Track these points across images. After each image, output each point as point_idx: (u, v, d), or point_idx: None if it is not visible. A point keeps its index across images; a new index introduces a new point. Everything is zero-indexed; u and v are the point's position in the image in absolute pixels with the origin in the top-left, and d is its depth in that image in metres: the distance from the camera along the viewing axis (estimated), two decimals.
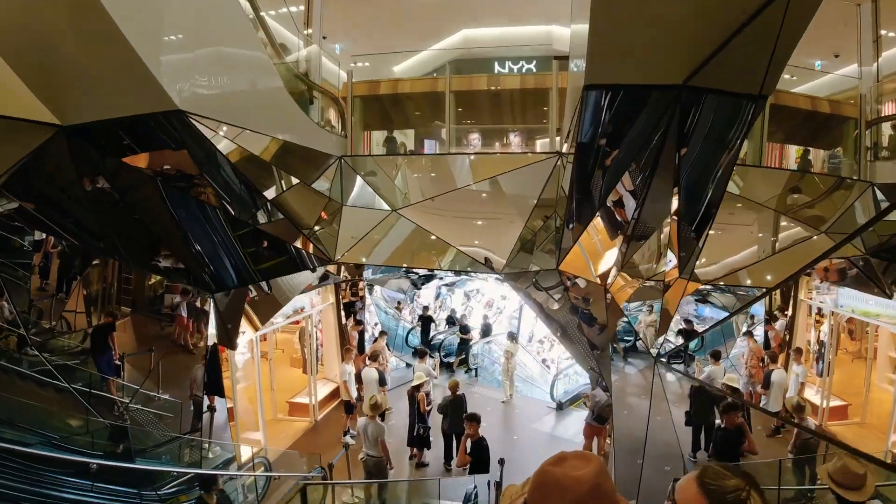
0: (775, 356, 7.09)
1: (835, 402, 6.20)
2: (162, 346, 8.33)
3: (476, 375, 12.23)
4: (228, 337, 6.77)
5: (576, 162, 5.25)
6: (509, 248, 6.24)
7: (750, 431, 5.89)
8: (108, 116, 4.59)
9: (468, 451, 6.61)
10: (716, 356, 7.35)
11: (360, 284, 11.50)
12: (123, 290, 9.13)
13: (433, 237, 6.18)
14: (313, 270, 6.68)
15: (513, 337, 11.07)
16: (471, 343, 12.71)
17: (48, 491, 4.34)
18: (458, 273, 12.96)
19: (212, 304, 6.38)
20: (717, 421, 6.21)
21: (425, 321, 13.11)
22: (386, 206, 6.24)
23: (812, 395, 6.46)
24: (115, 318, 7.96)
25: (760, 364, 7.34)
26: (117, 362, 7.82)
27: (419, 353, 9.18)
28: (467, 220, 6.67)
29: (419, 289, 14.29)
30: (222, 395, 7.28)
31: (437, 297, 15.71)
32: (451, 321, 13.62)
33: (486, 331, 13.68)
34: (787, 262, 5.99)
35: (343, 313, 10.52)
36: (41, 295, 9.33)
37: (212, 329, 6.69)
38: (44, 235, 10.28)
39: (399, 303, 14.08)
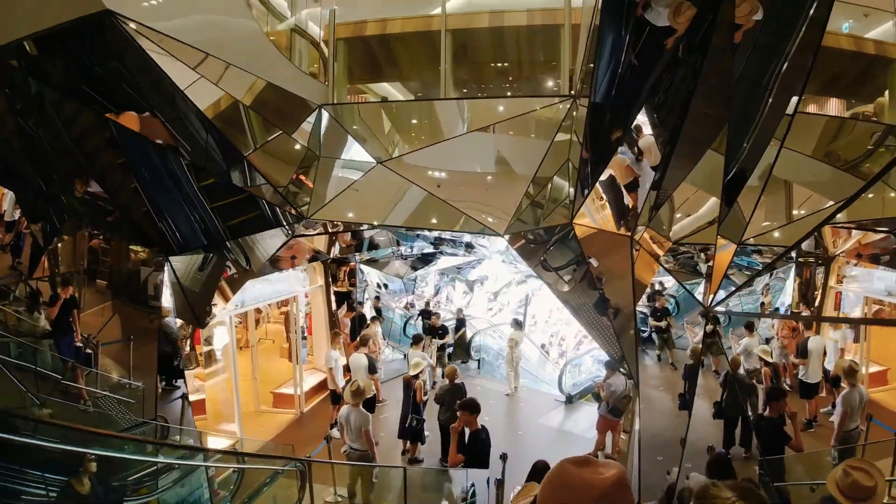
0: (810, 323, 6.79)
1: (874, 368, 6.16)
2: (137, 332, 7.72)
3: (479, 368, 11.35)
4: (194, 313, 5.98)
5: (591, 105, 4.45)
6: (513, 209, 5.42)
7: (798, 427, 5.13)
8: (34, 29, 3.90)
9: (465, 442, 5.66)
10: (749, 327, 7.14)
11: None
12: (98, 273, 8.50)
13: (423, 193, 5.36)
14: (287, 231, 5.88)
15: (518, 325, 10.16)
16: (448, 348, 10.70)
17: None
18: (436, 245, 11.55)
19: (167, 270, 5.53)
20: (760, 410, 5.53)
21: (378, 312, 11.52)
22: (370, 158, 5.44)
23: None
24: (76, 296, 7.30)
25: (793, 333, 7.14)
26: (79, 344, 7.15)
27: (415, 339, 8.41)
28: (464, 175, 5.87)
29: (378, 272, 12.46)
30: (181, 377, 6.53)
31: (437, 291, 14.67)
32: (426, 316, 11.57)
33: (460, 328, 11.54)
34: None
35: (334, 298, 9.75)
36: (10, 273, 8.83)
37: (166, 299, 5.81)
38: (15, 216, 9.78)
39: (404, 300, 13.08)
